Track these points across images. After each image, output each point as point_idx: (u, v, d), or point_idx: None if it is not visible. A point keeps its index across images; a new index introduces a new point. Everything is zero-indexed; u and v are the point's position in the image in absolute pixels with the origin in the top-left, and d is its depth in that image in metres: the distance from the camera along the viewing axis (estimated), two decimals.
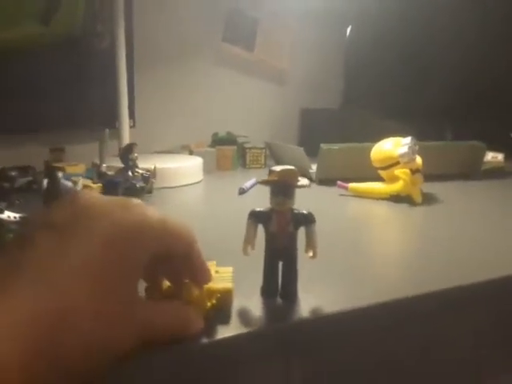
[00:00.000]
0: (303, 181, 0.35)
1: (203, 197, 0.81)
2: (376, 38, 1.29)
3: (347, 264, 0.46)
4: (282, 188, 0.35)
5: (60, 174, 0.43)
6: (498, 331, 0.47)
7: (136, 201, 0.29)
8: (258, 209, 0.37)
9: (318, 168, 0.84)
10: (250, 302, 0.36)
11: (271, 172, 0.35)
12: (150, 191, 0.73)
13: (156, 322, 0.28)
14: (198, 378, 0.31)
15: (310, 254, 0.36)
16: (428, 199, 0.71)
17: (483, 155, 0.89)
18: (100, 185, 0.68)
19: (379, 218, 0.67)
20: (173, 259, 0.31)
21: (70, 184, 0.44)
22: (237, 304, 0.35)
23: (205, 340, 0.31)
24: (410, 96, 1.19)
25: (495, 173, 0.92)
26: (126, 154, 0.54)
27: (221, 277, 0.35)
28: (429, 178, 0.71)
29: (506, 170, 0.95)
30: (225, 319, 0.33)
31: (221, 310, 0.34)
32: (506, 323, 0.48)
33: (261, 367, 0.35)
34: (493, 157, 0.94)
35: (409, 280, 0.43)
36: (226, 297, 0.34)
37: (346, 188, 0.74)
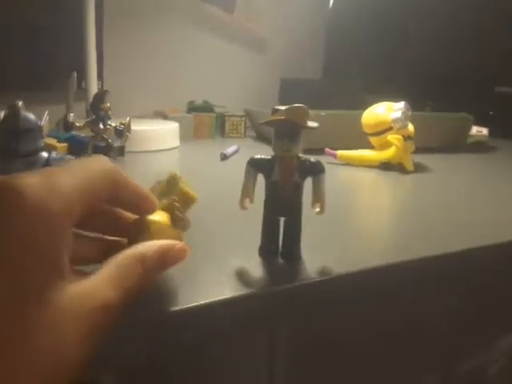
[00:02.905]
0: (312, 123, 0.30)
1: (182, 162, 0.74)
2: (358, 10, 1.25)
3: (343, 227, 0.42)
4: (289, 129, 0.30)
5: (21, 104, 0.36)
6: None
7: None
8: (258, 155, 0.31)
9: (304, 136, 0.79)
10: (247, 261, 0.31)
11: (276, 111, 0.30)
12: (121, 153, 0.66)
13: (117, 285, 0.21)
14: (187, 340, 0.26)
15: (317, 208, 0.31)
16: (417, 168, 0.68)
17: (470, 127, 0.88)
18: (65, 144, 0.61)
19: (370, 185, 0.63)
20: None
21: (32, 117, 0.37)
22: (232, 265, 0.31)
23: (199, 302, 0.26)
24: (391, 67, 1.16)
25: (479, 146, 0.91)
26: (97, 103, 0.47)
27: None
28: (416, 149, 0.69)
29: (488, 145, 0.94)
30: (216, 282, 0.28)
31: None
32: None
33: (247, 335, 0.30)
34: (477, 131, 0.93)
35: (398, 247, 0.39)
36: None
37: (335, 156, 0.70)
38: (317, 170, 0.31)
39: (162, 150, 0.77)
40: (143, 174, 0.59)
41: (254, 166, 0.31)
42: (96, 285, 0.20)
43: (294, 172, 0.31)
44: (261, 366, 0.33)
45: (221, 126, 0.97)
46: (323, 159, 0.70)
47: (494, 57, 1.12)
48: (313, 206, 0.31)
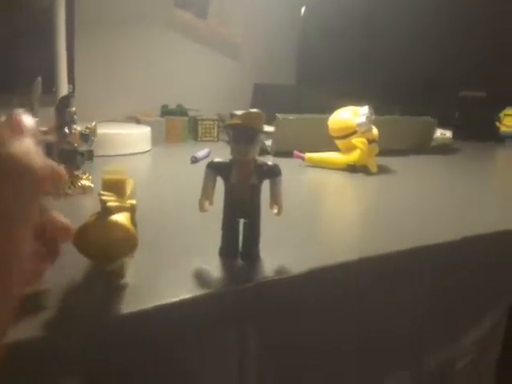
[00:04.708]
0: (268, 128, 0.31)
1: (151, 166, 0.75)
2: (330, 17, 1.28)
3: (308, 227, 0.43)
4: (245, 134, 0.31)
5: None
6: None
7: None
8: (217, 159, 0.33)
9: (273, 139, 0.81)
10: (208, 263, 0.32)
11: (233, 116, 0.31)
12: (90, 157, 0.66)
13: None
14: (149, 341, 0.27)
15: (275, 210, 0.33)
16: (382, 170, 0.71)
17: (434, 130, 0.91)
18: None
19: (336, 186, 0.65)
20: None
21: None
22: (193, 266, 0.32)
23: (157, 302, 0.26)
24: (362, 72, 1.19)
25: (443, 149, 0.95)
26: (63, 107, 0.47)
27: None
28: (381, 152, 0.71)
29: (452, 147, 0.98)
30: (179, 280, 0.29)
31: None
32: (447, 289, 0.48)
33: (215, 335, 0.31)
34: (441, 133, 0.96)
35: (357, 245, 0.41)
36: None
37: (303, 158, 0.72)
38: (273, 173, 0.32)
39: (133, 154, 0.77)
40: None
41: (213, 169, 0.32)
42: None
43: (251, 175, 0.32)
44: (230, 367, 0.34)
45: (194, 130, 0.98)
46: (292, 161, 0.73)
47: (460, 61, 1.17)
48: (271, 207, 0.33)
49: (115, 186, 0.28)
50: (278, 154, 0.80)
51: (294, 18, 1.30)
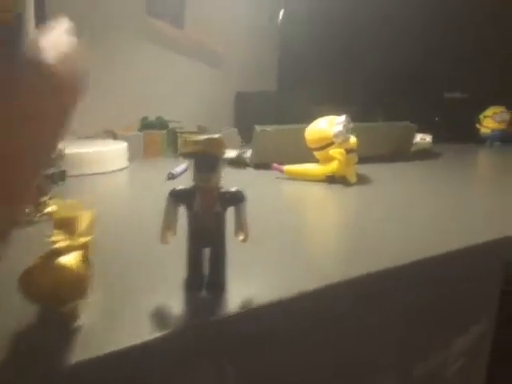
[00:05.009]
0: (231, 152, 0.30)
1: (126, 185, 0.73)
2: (308, 23, 1.28)
3: (283, 249, 0.42)
4: (207, 161, 0.30)
5: None
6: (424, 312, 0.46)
7: None
8: (179, 187, 0.31)
9: (252, 151, 0.80)
10: (171, 298, 0.31)
11: (189, 143, 0.30)
12: (62, 178, 0.64)
13: None
14: None
15: (241, 237, 0.31)
16: (361, 180, 0.70)
17: (413, 135, 0.91)
18: None
19: (314, 199, 0.64)
20: None
21: None
22: (154, 302, 0.30)
23: (113, 348, 0.25)
24: (343, 81, 1.19)
25: (423, 154, 0.95)
26: None
27: None
28: (361, 160, 0.70)
29: (433, 151, 0.98)
30: (136, 320, 0.28)
31: None
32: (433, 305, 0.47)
33: (190, 372, 0.30)
34: (421, 138, 0.96)
35: (344, 263, 0.40)
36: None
37: (282, 171, 0.71)
38: (237, 200, 0.31)
39: (108, 172, 0.75)
40: (87, 198, 0.58)
41: (175, 197, 0.31)
42: None
43: (214, 202, 0.31)
44: None
45: (173, 143, 0.96)
46: (271, 174, 0.72)
47: (442, 63, 1.17)
48: (236, 234, 0.32)
49: (66, 224, 0.27)
50: (258, 166, 0.79)
51: (272, 23, 1.30)
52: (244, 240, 0.31)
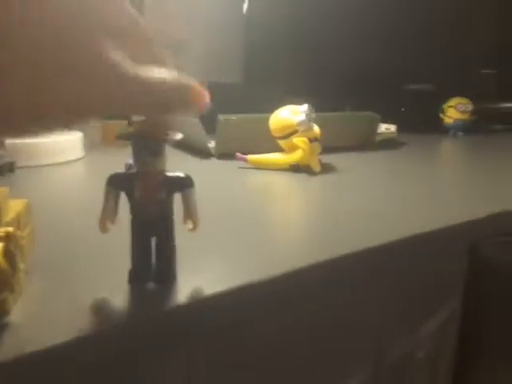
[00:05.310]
0: (176, 134, 0.28)
1: (80, 176, 0.69)
2: (274, 13, 1.26)
3: (242, 237, 0.40)
4: (149, 143, 0.28)
5: None
6: (398, 299, 0.46)
7: None
8: (118, 171, 0.29)
9: (216, 141, 0.78)
10: (115, 290, 0.28)
11: (133, 123, 0.28)
12: (11, 169, 0.60)
13: None
14: None
15: (190, 225, 0.29)
16: (326, 169, 0.69)
17: (377, 125, 0.91)
18: None
19: (277, 188, 0.63)
20: None
21: None
22: (96, 297, 0.28)
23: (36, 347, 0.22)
24: (310, 72, 1.18)
25: (388, 143, 0.95)
26: None
27: None
28: (326, 149, 0.70)
29: (397, 141, 0.98)
30: (73, 314, 0.25)
31: None
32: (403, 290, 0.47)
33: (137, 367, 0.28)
34: (386, 128, 0.97)
35: (305, 250, 0.38)
36: None
37: (246, 160, 0.69)
38: (184, 185, 0.29)
39: (62, 163, 0.71)
40: (34, 192, 0.54)
41: (114, 183, 0.29)
42: None
43: (158, 187, 0.28)
44: None
45: None
46: (236, 163, 0.70)
47: (405, 55, 1.18)
48: (184, 222, 0.30)
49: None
50: (222, 156, 0.77)
51: (236, 15, 1.27)
52: (193, 229, 0.29)
